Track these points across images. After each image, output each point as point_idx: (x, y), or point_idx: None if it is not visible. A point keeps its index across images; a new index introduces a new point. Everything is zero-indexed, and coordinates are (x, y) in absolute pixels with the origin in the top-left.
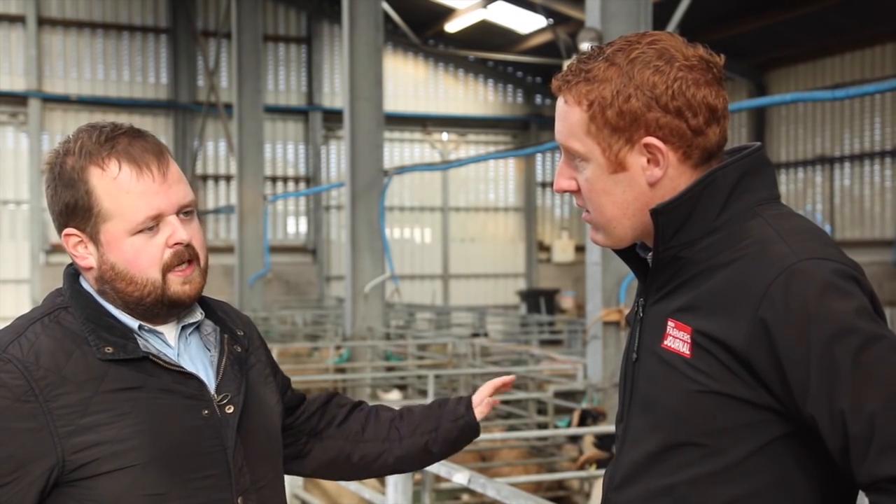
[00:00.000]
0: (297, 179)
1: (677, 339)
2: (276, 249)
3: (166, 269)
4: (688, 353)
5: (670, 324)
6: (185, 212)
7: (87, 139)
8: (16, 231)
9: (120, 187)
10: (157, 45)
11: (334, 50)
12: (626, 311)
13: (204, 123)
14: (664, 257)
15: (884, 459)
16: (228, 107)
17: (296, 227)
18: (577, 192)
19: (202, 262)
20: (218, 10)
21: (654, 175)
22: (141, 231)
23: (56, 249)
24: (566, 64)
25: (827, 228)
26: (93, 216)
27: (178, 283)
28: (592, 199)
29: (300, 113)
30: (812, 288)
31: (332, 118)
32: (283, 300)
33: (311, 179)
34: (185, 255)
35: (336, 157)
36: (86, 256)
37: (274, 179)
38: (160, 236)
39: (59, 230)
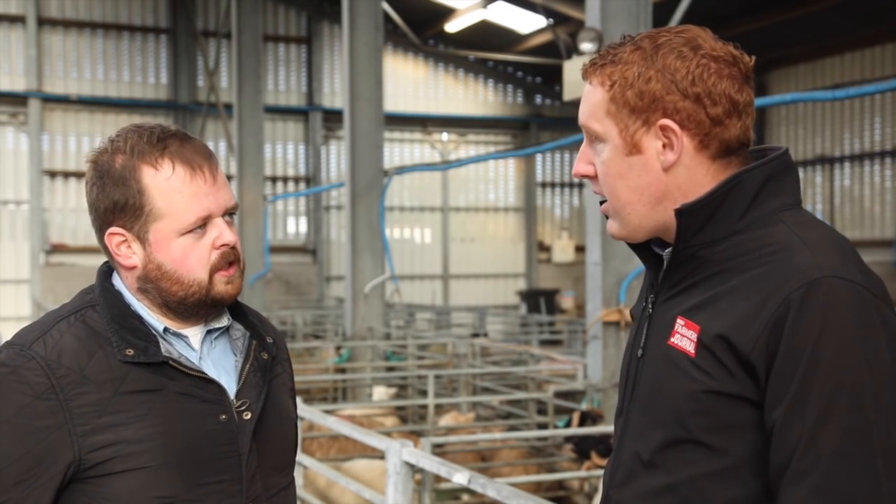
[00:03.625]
0: (297, 179)
1: (684, 338)
2: (276, 249)
3: (213, 270)
4: (693, 351)
5: (679, 322)
6: (229, 214)
7: (138, 139)
8: (16, 231)
9: (173, 187)
10: (157, 45)
11: (334, 50)
12: (626, 312)
13: (204, 123)
14: (682, 255)
15: (815, 498)
16: (228, 107)
17: (296, 227)
18: (594, 178)
19: (241, 265)
20: (218, 10)
21: (668, 160)
22: (190, 231)
23: (56, 249)
24: (565, 64)
25: None
26: (143, 215)
27: (223, 283)
28: (608, 182)
29: (300, 113)
30: (830, 312)
31: (332, 118)
32: (283, 300)
33: (311, 179)
34: (231, 257)
35: (336, 157)
36: (129, 256)
37: (274, 179)
38: (207, 237)
39: (102, 229)
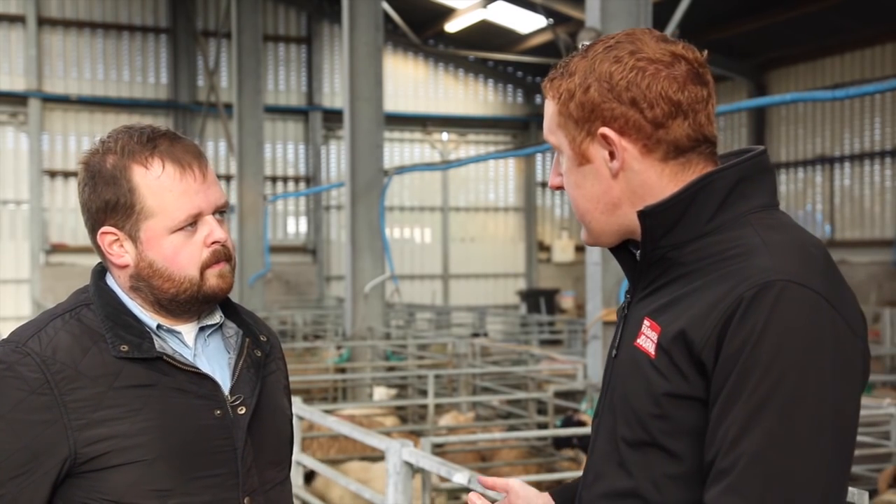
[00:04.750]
0: (297, 179)
1: (648, 339)
2: (276, 249)
3: (204, 267)
4: (653, 353)
5: (645, 323)
6: (219, 212)
7: (128, 139)
8: (16, 231)
9: (163, 186)
10: (157, 45)
11: (334, 50)
12: None
13: (204, 123)
14: (652, 257)
15: (725, 496)
16: (228, 107)
17: (296, 227)
18: (564, 188)
19: (233, 261)
20: (218, 10)
21: (614, 167)
22: (180, 229)
23: (56, 249)
24: None
25: (827, 228)
26: (134, 214)
27: (215, 276)
28: (569, 192)
29: (300, 113)
30: (776, 314)
31: (332, 118)
32: (283, 300)
33: (311, 179)
34: (222, 254)
35: (336, 157)
36: (122, 255)
37: (274, 179)
38: (198, 235)
39: (95, 228)
